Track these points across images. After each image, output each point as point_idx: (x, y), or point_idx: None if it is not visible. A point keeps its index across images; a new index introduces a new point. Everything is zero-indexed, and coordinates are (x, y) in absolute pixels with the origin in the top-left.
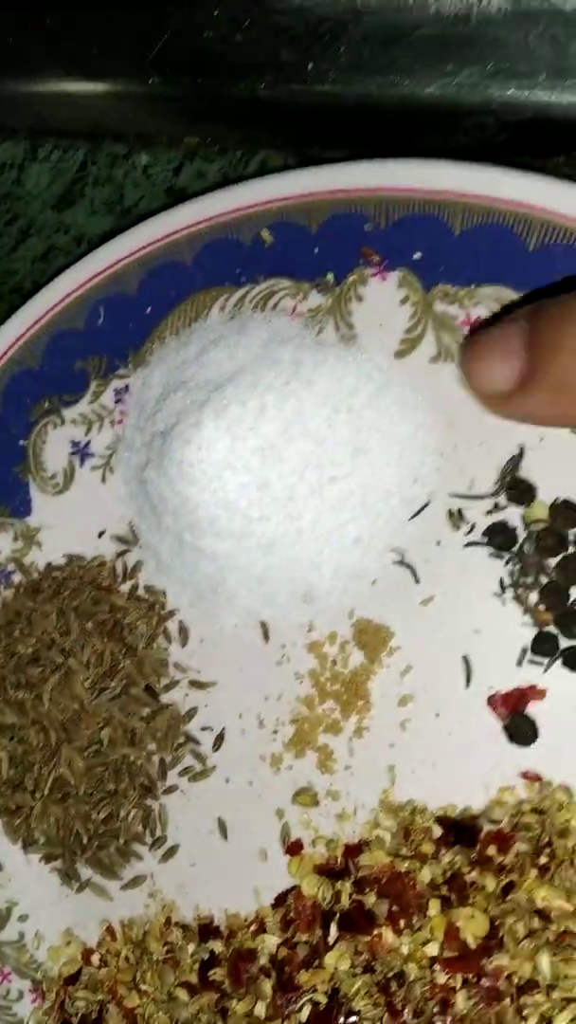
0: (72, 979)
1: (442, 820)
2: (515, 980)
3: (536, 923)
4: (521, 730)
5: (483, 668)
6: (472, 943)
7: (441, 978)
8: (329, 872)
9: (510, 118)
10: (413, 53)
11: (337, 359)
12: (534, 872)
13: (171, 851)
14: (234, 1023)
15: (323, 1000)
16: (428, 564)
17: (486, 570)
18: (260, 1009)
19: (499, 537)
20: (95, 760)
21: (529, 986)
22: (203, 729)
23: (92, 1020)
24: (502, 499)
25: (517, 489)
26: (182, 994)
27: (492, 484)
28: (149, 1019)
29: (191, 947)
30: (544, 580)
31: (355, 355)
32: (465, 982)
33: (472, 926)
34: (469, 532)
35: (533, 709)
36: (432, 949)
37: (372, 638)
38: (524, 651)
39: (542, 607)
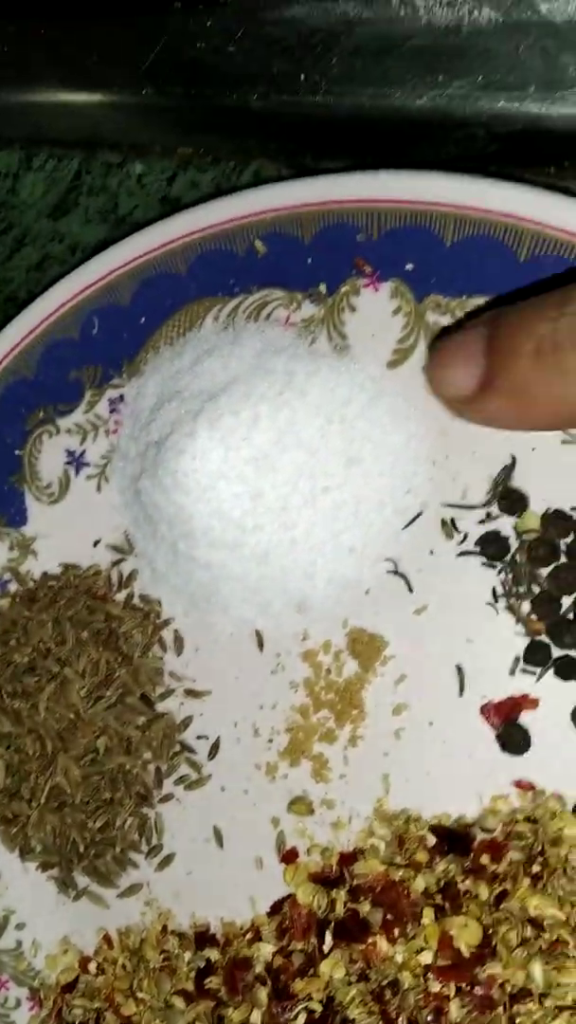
0: (69, 987)
1: (436, 829)
2: (508, 988)
3: (529, 932)
4: (514, 739)
5: (476, 677)
6: (466, 952)
7: (435, 986)
8: (324, 880)
9: (501, 130)
10: (404, 64)
11: (330, 369)
12: (527, 881)
13: (167, 859)
14: None
15: (318, 1008)
16: (421, 573)
17: (479, 579)
18: (256, 1017)
19: (492, 547)
20: (91, 769)
21: (522, 994)
22: (198, 738)
23: None
24: (494, 509)
25: (509, 499)
26: (179, 1002)
27: (484, 494)
28: None
29: (187, 955)
30: (536, 590)
31: (348, 365)
32: (459, 990)
33: (465, 935)
34: (462, 542)
35: (526, 718)
36: (426, 957)
37: (366, 647)
38: (517, 660)
39: (534, 616)
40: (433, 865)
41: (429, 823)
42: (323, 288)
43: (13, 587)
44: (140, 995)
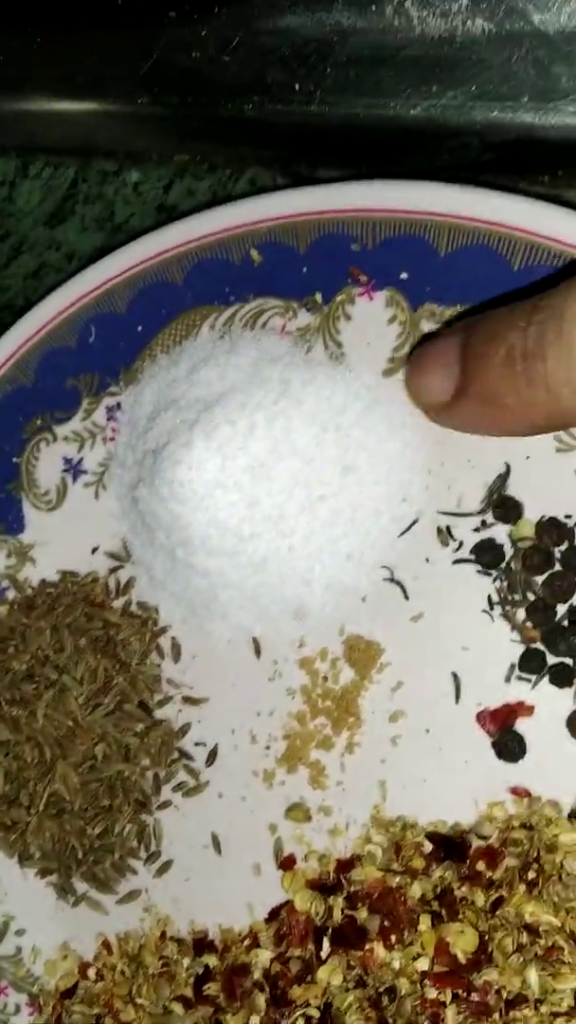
0: (69, 993)
1: (432, 836)
2: (504, 994)
3: (525, 938)
4: (509, 746)
5: (472, 684)
6: (462, 958)
7: (431, 993)
8: (321, 887)
9: (494, 139)
10: (398, 74)
11: (326, 378)
12: (523, 887)
13: (165, 866)
14: None
15: (316, 1015)
16: (417, 581)
17: (474, 587)
18: (254, 1023)
19: (487, 554)
20: (90, 776)
21: (518, 1000)
22: (196, 745)
23: None
24: (489, 517)
25: (504, 507)
26: (177, 1008)
27: (480, 502)
28: None
29: (186, 961)
30: (531, 597)
31: (343, 374)
32: (455, 997)
33: (462, 941)
34: (457, 549)
35: (521, 725)
36: (423, 964)
37: (363, 654)
38: (512, 667)
39: (529, 624)
40: (430, 872)
41: (425, 830)
42: (319, 297)
43: (11, 594)
44: (139, 1001)
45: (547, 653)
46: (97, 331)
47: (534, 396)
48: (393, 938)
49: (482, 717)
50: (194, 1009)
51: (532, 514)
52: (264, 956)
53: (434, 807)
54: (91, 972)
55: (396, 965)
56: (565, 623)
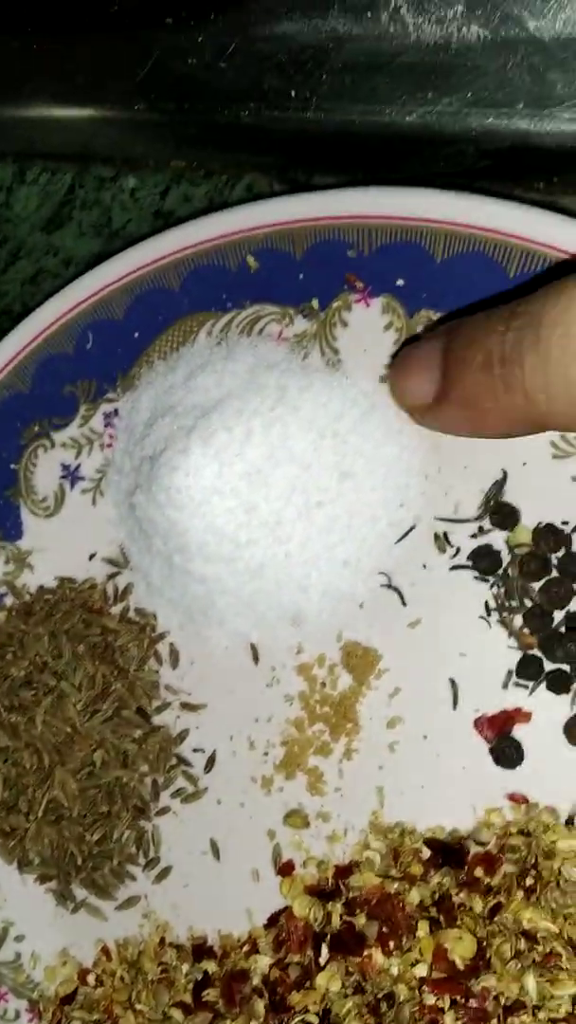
0: (68, 999)
1: (430, 842)
2: (502, 1001)
3: (523, 944)
4: (507, 753)
5: (469, 691)
6: (460, 964)
7: (430, 999)
8: (320, 893)
9: (490, 146)
10: (394, 81)
11: (322, 384)
12: (520, 893)
13: (164, 872)
14: None
15: (315, 1020)
16: (414, 587)
17: (472, 593)
18: None
19: (484, 561)
20: (88, 782)
21: (516, 1007)
22: (195, 751)
23: None
24: (486, 523)
25: (501, 513)
26: (177, 1014)
27: (476, 508)
28: None
29: (185, 967)
30: (528, 603)
31: (340, 380)
32: (453, 1003)
33: (460, 947)
34: (455, 555)
35: (519, 732)
36: (421, 970)
37: (360, 661)
38: (510, 674)
39: (526, 630)
40: (428, 878)
41: (424, 836)
42: (315, 303)
43: (9, 600)
44: (138, 1007)
45: (544, 659)
46: (95, 337)
47: (512, 401)
48: (391, 944)
49: (480, 723)
50: (193, 1015)
51: (529, 520)
52: (263, 962)
53: (432, 813)
54: (90, 978)
55: (394, 971)
56: (562, 629)
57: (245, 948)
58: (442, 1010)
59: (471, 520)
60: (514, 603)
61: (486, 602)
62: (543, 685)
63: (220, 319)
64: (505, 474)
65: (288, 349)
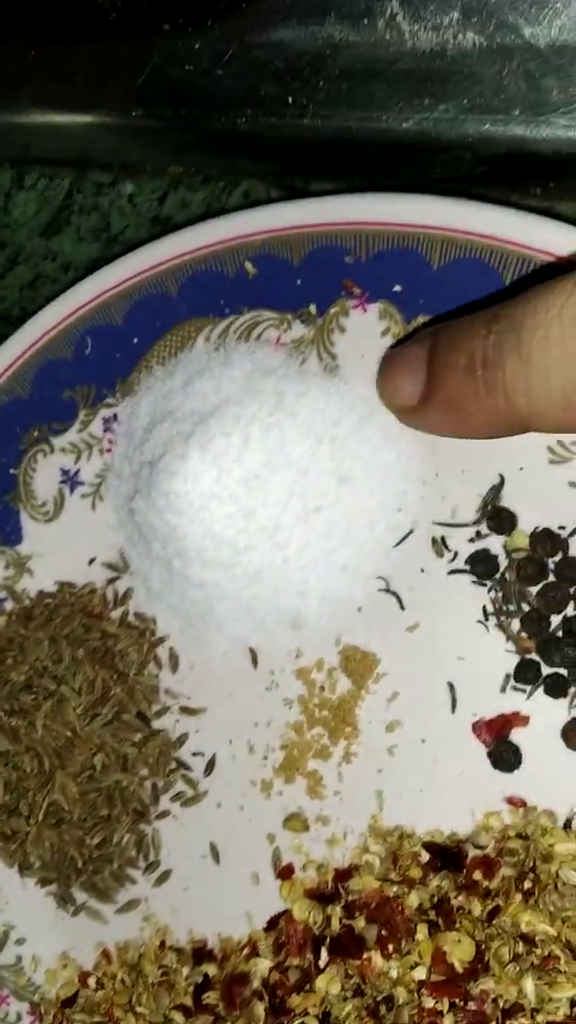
0: (69, 1002)
1: (429, 845)
2: (501, 1003)
3: (521, 947)
4: (505, 757)
5: (468, 694)
6: (459, 967)
7: (429, 1002)
8: (320, 896)
9: (486, 152)
10: (390, 88)
11: (320, 390)
12: (519, 897)
13: (164, 875)
14: None
15: (314, 1023)
16: (412, 591)
17: (470, 597)
18: None
19: (481, 565)
20: (88, 786)
21: (514, 1009)
22: (194, 755)
23: None
24: (484, 527)
25: (498, 518)
26: (177, 1017)
27: (474, 512)
28: None
29: (185, 970)
30: (526, 608)
31: (338, 385)
32: (452, 1006)
33: (459, 950)
34: (452, 560)
35: (517, 735)
36: (420, 973)
37: (359, 665)
38: (507, 678)
39: (524, 635)
40: (427, 881)
41: (422, 839)
42: (313, 309)
43: (9, 605)
44: (139, 1010)
45: (542, 663)
46: (93, 343)
47: (494, 402)
48: (391, 947)
49: (478, 727)
50: (193, 1018)
51: (526, 525)
52: (263, 965)
53: (431, 817)
54: (91, 981)
55: (394, 974)
56: (559, 634)
57: (245, 951)
58: (441, 1013)
59: (469, 525)
60: (511, 607)
61: (484, 606)
62: (541, 689)
63: (218, 325)
64: (502, 479)
65: (286, 355)
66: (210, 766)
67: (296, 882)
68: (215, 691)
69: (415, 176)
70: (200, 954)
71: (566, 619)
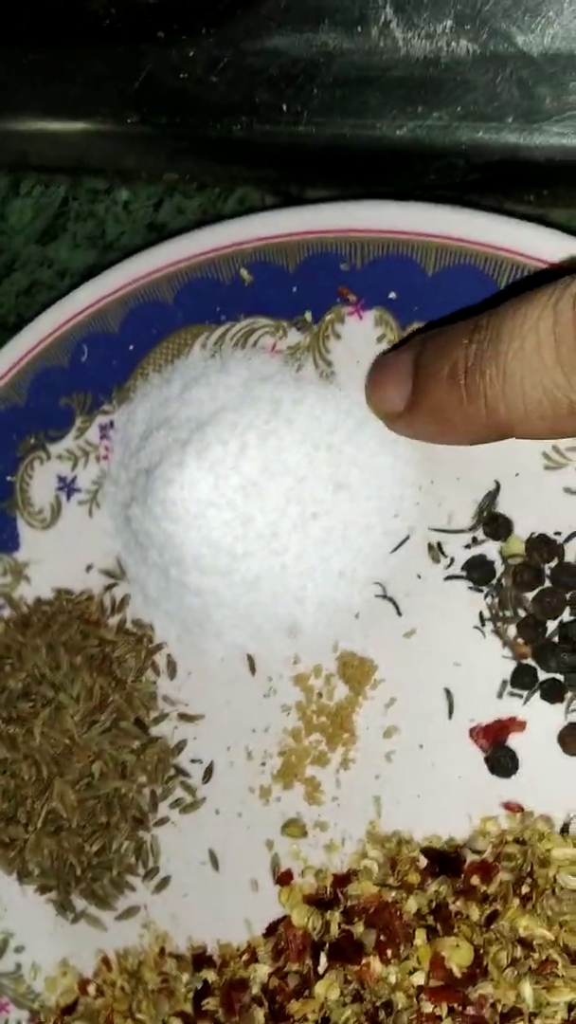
0: (69, 1009)
1: (427, 851)
2: (499, 1008)
3: (519, 952)
4: (502, 762)
5: (465, 700)
6: (457, 972)
7: (428, 1007)
8: (318, 902)
9: (480, 160)
10: (384, 95)
11: (316, 396)
12: (516, 901)
13: (164, 882)
14: None
15: None
16: (409, 597)
17: (466, 603)
18: None
19: (478, 571)
20: (87, 793)
21: (513, 1014)
22: (193, 761)
23: None
24: (480, 533)
25: (494, 524)
26: (177, 1023)
27: (470, 518)
28: None
29: (185, 977)
30: (522, 614)
31: (334, 392)
32: (451, 1010)
33: (457, 955)
34: (449, 566)
35: (514, 741)
36: (419, 978)
37: (356, 671)
38: (504, 683)
39: (520, 640)
40: (425, 886)
41: (420, 845)
42: (308, 316)
43: (6, 612)
44: (139, 1016)
45: (538, 669)
46: (90, 350)
47: (475, 410)
48: (389, 952)
49: (475, 733)
50: None
51: (522, 531)
52: (262, 971)
53: (429, 822)
54: (91, 988)
55: (392, 979)
56: (556, 639)
57: (244, 957)
58: (440, 1018)
59: (465, 531)
60: (508, 613)
61: (480, 612)
62: (537, 694)
63: (214, 332)
64: (498, 485)
65: (282, 361)
66: (208, 773)
67: (295, 888)
68: (213, 698)
69: (409, 183)
70: (199, 960)
71: (562, 624)
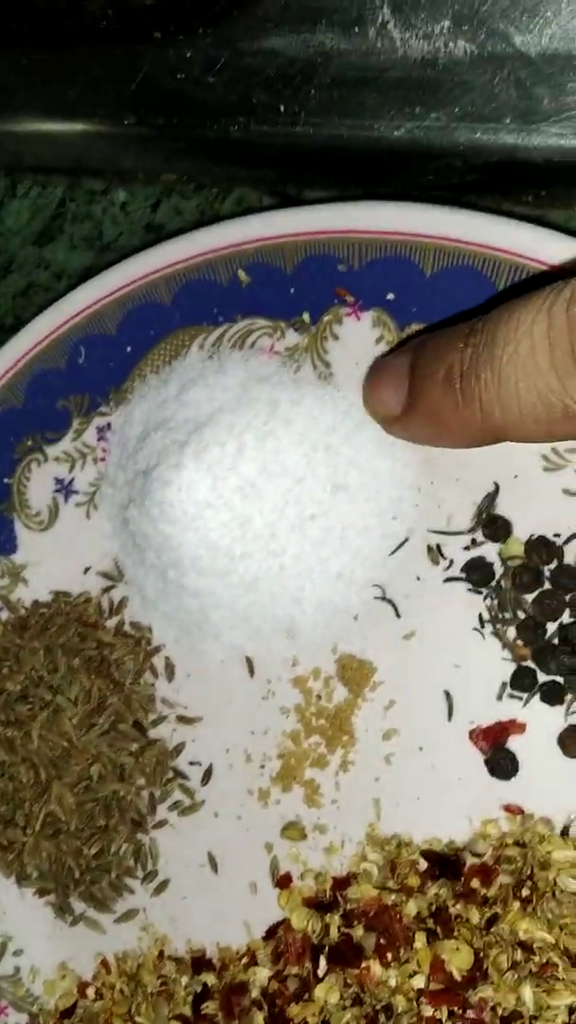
0: (68, 1012)
1: (427, 854)
2: (499, 1011)
3: (519, 955)
4: (502, 764)
5: (464, 702)
6: (457, 975)
7: (428, 1010)
8: (318, 905)
9: (478, 160)
10: (382, 96)
11: (314, 398)
12: (517, 904)
13: (162, 885)
14: None
15: None
16: (408, 599)
17: (466, 605)
18: None
19: (477, 573)
20: (85, 796)
21: (513, 1017)
22: (191, 764)
23: None
24: (479, 535)
25: (493, 526)
26: None
27: (469, 520)
28: None
29: (184, 980)
30: (521, 615)
31: (332, 393)
32: (451, 1014)
33: (457, 958)
34: (448, 568)
35: (513, 743)
36: (419, 981)
37: (355, 673)
38: (504, 685)
39: (520, 642)
40: (425, 889)
41: (420, 847)
42: (306, 317)
43: (4, 615)
44: (138, 1020)
45: (538, 671)
46: (87, 352)
47: (471, 414)
48: (389, 956)
49: (475, 735)
50: None
51: (521, 532)
52: (262, 974)
53: (428, 825)
54: (90, 991)
55: (392, 983)
56: (555, 641)
57: (244, 960)
58: (440, 1021)
59: (464, 532)
60: (507, 615)
61: (480, 614)
62: (537, 697)
63: (212, 333)
64: (497, 487)
65: (280, 363)
66: (207, 775)
67: (294, 891)
68: (212, 700)
69: (407, 184)
70: (199, 963)
71: (562, 627)
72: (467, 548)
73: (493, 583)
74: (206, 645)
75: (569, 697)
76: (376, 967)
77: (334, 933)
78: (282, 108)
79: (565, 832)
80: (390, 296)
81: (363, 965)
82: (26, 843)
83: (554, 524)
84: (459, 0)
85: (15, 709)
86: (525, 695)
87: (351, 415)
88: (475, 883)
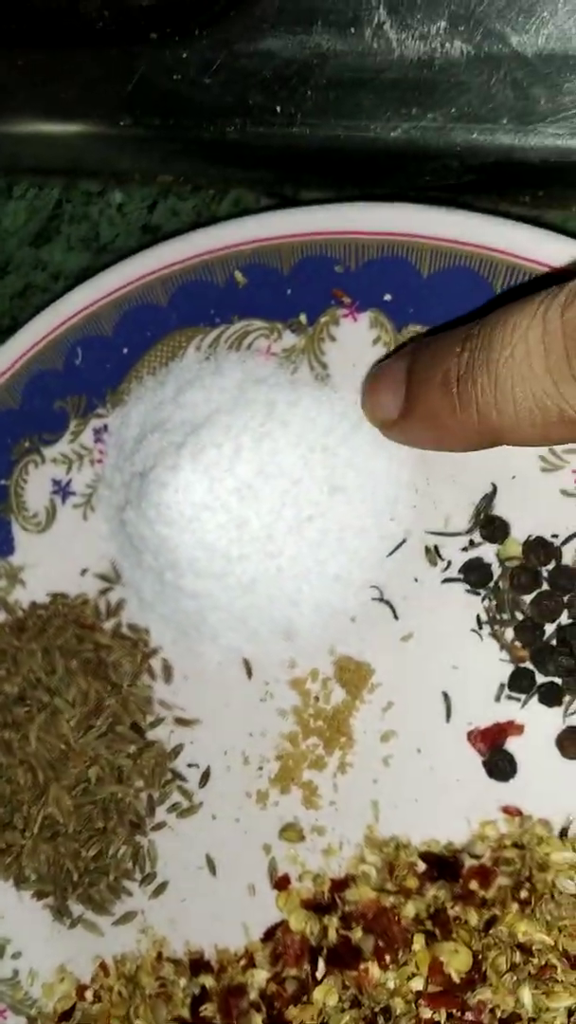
0: (67, 1015)
1: (425, 855)
2: (498, 1013)
3: (518, 957)
4: (500, 765)
5: (462, 704)
6: (456, 977)
7: (426, 1013)
8: (316, 907)
9: (474, 161)
10: (378, 97)
11: (311, 399)
12: (515, 906)
13: (161, 887)
14: None
15: None
16: (406, 601)
17: (463, 606)
18: None
19: (475, 574)
20: (83, 798)
21: (512, 1019)
22: (189, 766)
23: None
24: (477, 536)
25: (491, 526)
26: None
27: (467, 521)
28: None
29: (183, 982)
30: (519, 616)
31: (329, 394)
32: (450, 1016)
33: (456, 960)
34: (446, 569)
35: (512, 744)
36: (417, 984)
37: (353, 675)
38: (502, 687)
39: (518, 643)
40: (423, 891)
41: (418, 849)
42: (303, 318)
43: (1, 617)
44: (137, 1022)
45: (536, 672)
46: (84, 353)
47: (468, 418)
48: (387, 958)
49: (473, 736)
50: None
51: (519, 533)
52: (260, 976)
53: (427, 826)
54: (88, 994)
55: (391, 985)
56: (553, 642)
57: (242, 962)
58: (439, 1023)
59: (462, 533)
60: (505, 616)
61: (478, 615)
62: (535, 698)
63: (208, 334)
64: (495, 488)
65: (276, 364)
66: (205, 777)
67: (292, 893)
68: (209, 702)
69: (404, 185)
70: (197, 966)
71: (560, 628)
72: (465, 549)
73: (491, 584)
74: (204, 647)
75: (567, 698)
76: (374, 969)
77: (332, 935)
78: (278, 109)
79: (563, 834)
80: (387, 297)
81: (361, 967)
82: (24, 846)
83: (552, 525)
84: (455, 1)
85: (13, 711)
86: (523, 696)
87: (348, 416)
88: (473, 885)
